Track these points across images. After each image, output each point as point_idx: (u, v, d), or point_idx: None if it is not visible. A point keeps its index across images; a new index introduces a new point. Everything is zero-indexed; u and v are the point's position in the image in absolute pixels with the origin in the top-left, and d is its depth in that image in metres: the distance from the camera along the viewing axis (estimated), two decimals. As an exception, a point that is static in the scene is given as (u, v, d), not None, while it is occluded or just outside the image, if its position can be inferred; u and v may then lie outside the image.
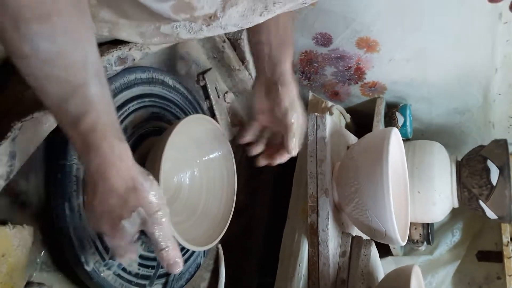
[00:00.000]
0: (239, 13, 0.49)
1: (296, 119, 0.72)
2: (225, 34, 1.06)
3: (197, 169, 0.79)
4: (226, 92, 1.14)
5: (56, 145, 0.60)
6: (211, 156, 0.79)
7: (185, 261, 0.83)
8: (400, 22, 1.06)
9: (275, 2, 0.49)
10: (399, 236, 0.86)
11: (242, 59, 1.10)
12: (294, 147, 0.73)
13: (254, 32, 0.71)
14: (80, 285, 0.67)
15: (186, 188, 0.79)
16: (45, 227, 0.63)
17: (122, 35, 0.56)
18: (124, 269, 0.69)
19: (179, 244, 0.60)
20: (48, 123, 0.56)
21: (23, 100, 0.58)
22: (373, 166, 0.84)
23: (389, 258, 1.29)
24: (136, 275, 0.72)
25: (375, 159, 0.84)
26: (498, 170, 1.04)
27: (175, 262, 0.53)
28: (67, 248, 0.61)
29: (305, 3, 0.51)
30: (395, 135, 0.91)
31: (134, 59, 0.65)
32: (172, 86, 0.84)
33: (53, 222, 0.62)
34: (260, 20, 0.51)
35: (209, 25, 0.52)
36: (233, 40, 1.07)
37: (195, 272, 0.86)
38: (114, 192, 0.49)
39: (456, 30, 1.06)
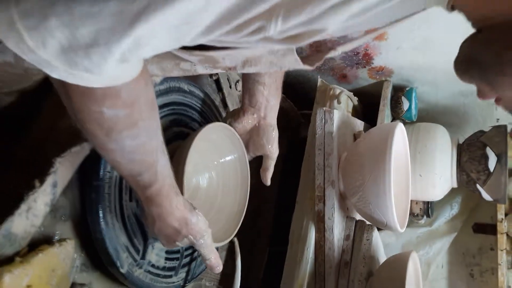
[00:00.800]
0: (255, 69, 0.53)
1: (274, 153, 0.82)
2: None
3: (214, 171, 0.85)
4: (237, 81, 1.17)
5: (89, 167, 0.66)
6: (227, 158, 0.85)
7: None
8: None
9: (290, 67, 0.52)
10: (398, 226, 0.93)
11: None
12: (268, 179, 0.84)
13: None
14: (115, 281, 0.75)
15: (203, 189, 0.85)
16: (82, 235, 0.70)
17: None
18: (152, 265, 0.78)
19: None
20: (83, 153, 0.62)
21: (58, 128, 0.64)
22: (377, 165, 0.90)
23: (390, 230, 1.38)
24: (163, 268, 0.80)
25: (379, 159, 0.89)
26: (495, 158, 1.08)
27: (217, 268, 0.70)
28: (104, 255, 0.69)
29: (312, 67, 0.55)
30: (399, 131, 0.96)
31: (155, 83, 0.69)
32: (188, 90, 0.88)
33: (89, 232, 0.69)
34: None
35: (225, 71, 0.56)
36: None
37: (213, 256, 0.95)
38: (170, 227, 0.63)
39: (464, 20, 1.06)
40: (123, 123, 0.46)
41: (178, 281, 0.84)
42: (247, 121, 0.80)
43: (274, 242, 1.20)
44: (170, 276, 0.82)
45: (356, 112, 1.28)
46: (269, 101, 0.78)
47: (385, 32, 1.12)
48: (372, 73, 1.28)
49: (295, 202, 1.07)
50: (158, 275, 0.79)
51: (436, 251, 1.37)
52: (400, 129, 0.96)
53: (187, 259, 0.86)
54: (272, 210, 1.28)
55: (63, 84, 0.41)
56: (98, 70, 0.36)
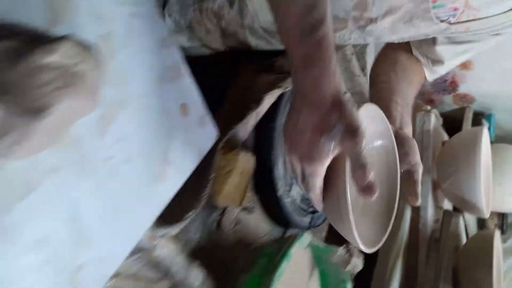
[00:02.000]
0: (391, 20, 0.66)
1: (419, 164, 0.71)
2: (353, 46, 1.34)
3: None
4: (345, 92, 1.43)
5: (270, 112, 0.91)
6: (375, 143, 0.68)
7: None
8: (494, 47, 1.29)
9: (419, 17, 0.67)
10: (485, 208, 1.09)
11: (363, 67, 1.38)
12: (417, 195, 0.71)
13: (390, 90, 0.76)
14: (266, 206, 0.97)
15: None
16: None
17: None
18: (293, 200, 0.98)
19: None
20: (271, 99, 0.87)
21: (253, 87, 0.90)
22: (469, 154, 1.08)
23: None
24: (298, 207, 1.01)
25: (471, 149, 1.08)
26: None
27: (371, 186, 0.46)
28: (269, 179, 0.91)
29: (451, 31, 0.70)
30: (486, 133, 1.15)
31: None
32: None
33: (260, 164, 0.92)
34: (405, 35, 0.72)
35: (363, 27, 0.71)
36: (359, 52, 1.36)
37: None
38: (322, 100, 0.47)
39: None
40: None
41: (304, 223, 1.04)
42: None
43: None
44: (301, 215, 1.02)
45: (441, 131, 1.48)
46: (404, 116, 0.73)
47: (471, 62, 1.35)
48: (456, 99, 1.49)
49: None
50: (295, 209, 1.00)
51: (509, 265, 1.46)
52: (486, 132, 1.15)
53: (312, 208, 1.07)
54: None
55: None
56: None
